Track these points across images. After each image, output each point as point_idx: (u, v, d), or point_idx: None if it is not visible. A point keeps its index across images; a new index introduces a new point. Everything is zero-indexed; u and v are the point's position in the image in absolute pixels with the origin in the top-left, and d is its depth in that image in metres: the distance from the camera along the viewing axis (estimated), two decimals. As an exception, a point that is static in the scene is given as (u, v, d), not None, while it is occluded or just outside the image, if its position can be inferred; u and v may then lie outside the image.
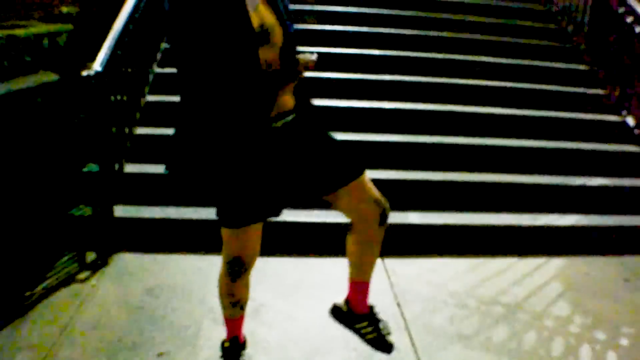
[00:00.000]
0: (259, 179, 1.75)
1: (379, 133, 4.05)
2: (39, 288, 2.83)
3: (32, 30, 3.49)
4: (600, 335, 2.62)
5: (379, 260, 3.19)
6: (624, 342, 2.59)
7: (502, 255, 3.38)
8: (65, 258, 3.14)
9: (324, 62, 3.54)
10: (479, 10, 5.90)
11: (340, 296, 2.14)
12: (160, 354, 2.35)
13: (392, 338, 2.07)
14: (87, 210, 3.29)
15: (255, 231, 1.83)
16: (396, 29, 5.31)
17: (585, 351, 2.49)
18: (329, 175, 1.86)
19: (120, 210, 3.32)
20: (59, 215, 3.27)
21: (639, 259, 3.46)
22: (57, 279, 2.94)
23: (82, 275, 2.99)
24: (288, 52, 1.74)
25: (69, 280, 2.93)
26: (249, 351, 2.13)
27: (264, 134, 1.73)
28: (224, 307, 2.01)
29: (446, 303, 2.84)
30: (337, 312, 2.15)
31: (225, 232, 1.83)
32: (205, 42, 1.60)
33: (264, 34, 1.65)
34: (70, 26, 4.13)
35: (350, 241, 1.99)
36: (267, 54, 1.67)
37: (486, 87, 4.65)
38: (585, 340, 2.58)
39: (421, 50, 5.05)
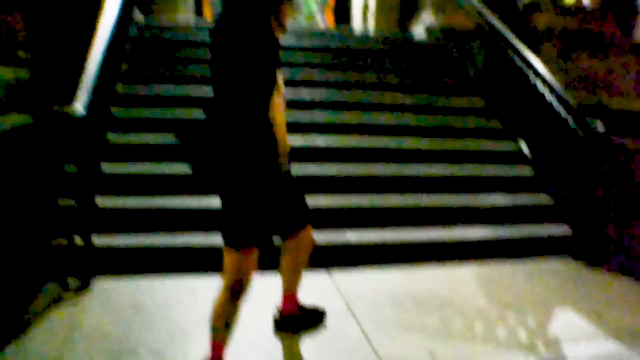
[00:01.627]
0: (266, 210, 2.33)
1: (316, 163, 4.66)
2: (34, 309, 3.14)
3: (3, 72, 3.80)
4: (512, 316, 3.32)
5: (326, 274, 3.81)
6: (529, 319, 3.29)
7: (427, 263, 4.07)
8: (50, 284, 3.44)
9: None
10: (392, 55, 6.72)
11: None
12: (157, 354, 2.74)
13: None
14: (63, 241, 3.61)
15: (254, 256, 2.36)
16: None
17: (500, 329, 3.16)
18: (293, 220, 2.65)
19: (97, 239, 3.67)
20: (39, 245, 3.57)
21: (537, 260, 4.27)
22: (47, 300, 3.25)
23: (69, 297, 3.32)
24: None
25: (58, 301, 3.26)
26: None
27: (277, 175, 2.36)
28: (216, 330, 2.39)
29: (387, 302, 3.43)
30: (279, 324, 2.97)
31: (230, 257, 2.31)
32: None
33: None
34: (27, 70, 4.43)
35: (287, 265, 2.80)
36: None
37: (401, 124, 5.40)
38: (499, 320, 3.26)
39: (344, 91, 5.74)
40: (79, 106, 3.41)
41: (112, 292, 3.42)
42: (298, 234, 2.70)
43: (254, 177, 2.25)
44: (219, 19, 2.28)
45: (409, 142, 5.13)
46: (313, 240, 2.80)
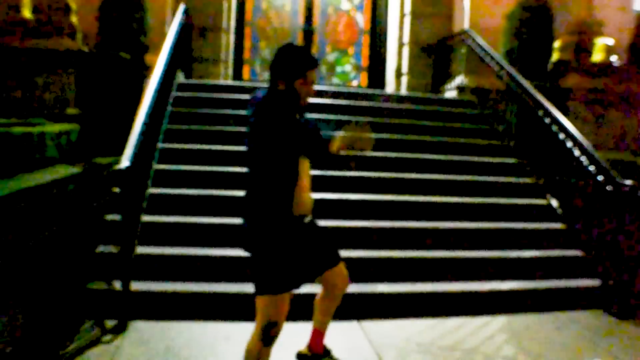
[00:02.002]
0: (295, 258, 2.55)
1: (349, 219, 4.78)
2: (71, 347, 3.30)
3: (56, 128, 4.13)
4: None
5: (356, 322, 3.86)
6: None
7: (457, 316, 4.06)
8: (88, 324, 3.60)
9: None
10: (424, 116, 6.92)
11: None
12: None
13: None
14: (102, 284, 3.79)
15: (288, 300, 2.53)
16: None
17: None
18: (324, 261, 2.82)
19: (135, 285, 3.84)
20: (78, 289, 3.76)
21: (567, 313, 4.22)
22: (85, 340, 3.41)
23: (106, 338, 3.47)
24: None
25: (95, 342, 3.41)
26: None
27: (300, 227, 2.62)
28: None
29: (415, 350, 3.47)
30: (302, 358, 3.09)
31: (264, 302, 2.48)
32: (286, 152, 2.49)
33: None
34: (77, 126, 4.78)
35: (321, 304, 3.00)
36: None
37: (432, 180, 5.53)
38: (526, 372, 3.25)
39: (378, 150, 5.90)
40: (125, 160, 3.67)
41: (147, 335, 3.55)
42: (332, 271, 2.85)
43: (276, 238, 2.52)
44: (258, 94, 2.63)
45: (439, 198, 5.22)
46: (347, 278, 2.93)
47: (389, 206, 5.02)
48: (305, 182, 2.64)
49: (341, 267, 2.89)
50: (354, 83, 9.31)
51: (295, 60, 2.54)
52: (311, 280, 2.82)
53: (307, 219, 2.71)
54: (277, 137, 2.43)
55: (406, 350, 3.46)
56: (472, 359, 3.38)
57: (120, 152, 3.78)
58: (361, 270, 4.25)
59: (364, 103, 7.02)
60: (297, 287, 2.61)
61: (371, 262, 4.37)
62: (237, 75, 9.03)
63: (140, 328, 3.63)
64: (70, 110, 5.17)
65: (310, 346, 3.10)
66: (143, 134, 4.07)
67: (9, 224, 2.95)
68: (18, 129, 3.72)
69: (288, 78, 2.52)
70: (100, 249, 4.02)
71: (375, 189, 5.23)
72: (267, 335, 2.46)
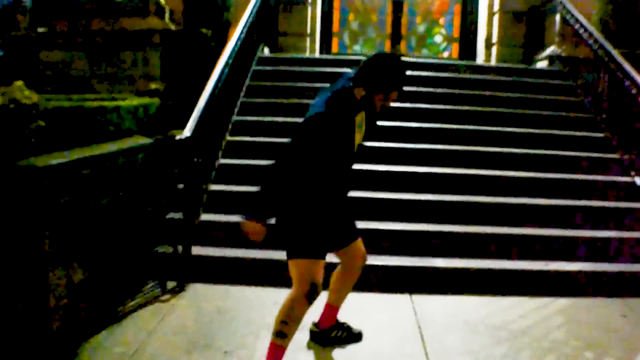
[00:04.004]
0: (329, 227, 2.70)
1: (414, 192, 4.73)
2: (130, 304, 3.63)
3: (131, 102, 4.46)
4: (589, 355, 3.12)
5: (407, 296, 3.86)
6: (608, 360, 3.09)
7: (514, 295, 3.91)
8: (150, 284, 3.93)
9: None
10: (511, 87, 6.58)
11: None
12: (225, 352, 3.04)
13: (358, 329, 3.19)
14: (169, 248, 4.09)
15: (320, 266, 2.64)
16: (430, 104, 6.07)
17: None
18: (345, 237, 2.89)
19: (195, 249, 4.10)
20: (146, 251, 4.09)
21: (638, 300, 3.91)
22: (145, 298, 3.73)
23: (164, 297, 3.77)
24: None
25: (153, 300, 3.72)
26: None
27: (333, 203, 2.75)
28: (288, 334, 2.63)
29: (459, 328, 3.41)
30: (313, 336, 3.14)
31: (302, 266, 2.60)
32: (323, 151, 2.57)
33: (358, 150, 2.72)
34: (157, 100, 5.10)
35: (338, 277, 3.02)
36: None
37: (510, 154, 5.30)
38: (573, 358, 3.09)
39: (460, 123, 5.75)
40: (187, 131, 3.90)
41: (202, 296, 3.81)
42: (355, 244, 2.93)
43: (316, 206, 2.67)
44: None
45: (513, 173, 5.01)
46: (365, 256, 2.99)
47: (458, 180, 4.89)
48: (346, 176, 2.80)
49: (360, 242, 2.96)
50: (445, 54, 9.02)
51: (386, 77, 2.53)
52: (335, 249, 2.91)
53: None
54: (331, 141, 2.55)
55: (449, 326, 3.42)
56: (517, 341, 3.27)
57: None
58: (419, 244, 4.24)
59: (450, 74, 6.82)
60: (324, 256, 2.68)
61: (431, 235, 4.31)
62: (326, 48, 9.07)
63: (197, 289, 3.90)
64: (153, 85, 5.54)
65: (320, 322, 3.14)
66: (207, 106, 4.28)
67: (78, 186, 3.26)
68: (91, 103, 4.07)
69: (370, 89, 2.54)
70: (170, 215, 4.34)
71: (447, 163, 5.11)
72: (310, 295, 2.57)
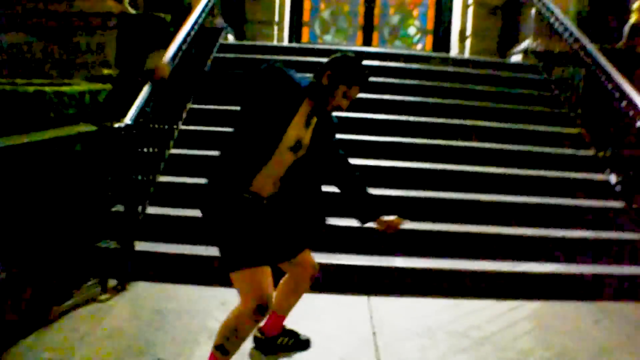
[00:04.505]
0: (255, 234, 2.31)
1: (380, 188, 4.40)
2: (66, 304, 3.29)
3: (75, 88, 4.12)
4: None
5: (364, 298, 3.60)
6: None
7: (479, 298, 3.67)
8: (91, 282, 3.60)
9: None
10: (485, 81, 6.36)
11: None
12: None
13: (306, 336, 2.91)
14: (112, 244, 3.77)
15: (263, 275, 2.26)
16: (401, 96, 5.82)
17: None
18: (292, 246, 2.60)
19: (140, 245, 3.79)
20: (88, 246, 3.76)
21: (613, 304, 3.69)
22: (82, 298, 3.40)
23: (103, 297, 3.45)
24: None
25: (91, 300, 3.40)
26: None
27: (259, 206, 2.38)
28: (230, 351, 2.32)
29: (418, 334, 3.14)
30: (257, 343, 2.85)
31: (241, 278, 2.25)
32: (251, 127, 2.34)
33: (297, 145, 2.36)
34: (109, 86, 4.77)
35: (286, 287, 2.74)
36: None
37: (483, 149, 5.07)
38: (539, 367, 2.85)
39: (429, 116, 5.51)
40: (127, 119, 3.58)
41: (144, 295, 3.50)
42: (300, 257, 2.64)
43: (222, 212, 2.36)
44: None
45: (484, 169, 4.78)
46: (315, 267, 2.71)
47: (424, 175, 4.66)
48: (274, 172, 2.39)
49: (308, 253, 2.68)
50: (419, 47, 8.80)
51: (352, 68, 2.39)
52: (279, 261, 2.61)
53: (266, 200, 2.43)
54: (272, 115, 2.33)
55: (407, 332, 3.16)
56: (480, 350, 3.02)
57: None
58: (379, 242, 3.96)
59: (421, 66, 6.59)
60: (261, 263, 2.30)
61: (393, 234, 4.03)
62: (296, 38, 8.80)
63: (139, 288, 3.59)
64: (106, 71, 5.21)
65: (265, 329, 2.85)
66: (153, 92, 3.93)
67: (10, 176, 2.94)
68: (26, 88, 3.73)
69: (335, 77, 2.36)
70: (116, 208, 4.00)
71: (414, 157, 4.86)
72: (259, 314, 2.25)
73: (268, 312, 2.29)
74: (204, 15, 5.37)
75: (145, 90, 3.87)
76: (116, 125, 3.50)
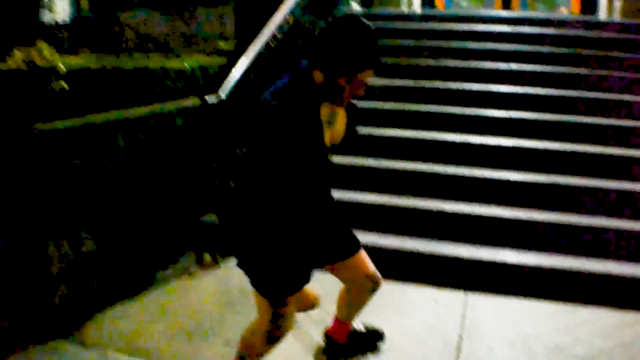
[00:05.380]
0: (303, 250, 1.99)
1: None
2: (158, 276, 3.46)
3: (184, 63, 4.20)
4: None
5: (461, 293, 3.30)
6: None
7: (595, 305, 3.17)
8: (187, 256, 3.73)
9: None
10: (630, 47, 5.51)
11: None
12: (227, 343, 2.73)
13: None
14: (213, 217, 3.84)
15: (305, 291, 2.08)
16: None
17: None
18: (332, 250, 2.22)
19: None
20: (192, 220, 3.86)
21: None
22: (175, 271, 3.55)
23: (194, 271, 3.57)
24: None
25: (181, 274, 3.52)
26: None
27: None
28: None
29: (511, 344, 2.79)
30: (326, 344, 2.63)
31: (267, 305, 1.97)
32: (293, 149, 1.83)
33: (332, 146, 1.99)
34: (221, 59, 4.81)
35: (343, 295, 2.45)
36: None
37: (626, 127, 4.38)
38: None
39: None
40: (222, 93, 3.57)
41: (234, 273, 3.49)
42: (349, 262, 2.27)
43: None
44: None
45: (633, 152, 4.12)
46: (374, 277, 2.31)
47: (550, 157, 4.14)
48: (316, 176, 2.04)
49: (362, 259, 2.28)
50: (563, 9, 7.84)
51: (347, 51, 1.78)
52: (321, 265, 2.24)
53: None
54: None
55: (498, 339, 2.82)
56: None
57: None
58: (484, 231, 3.60)
59: (556, 31, 5.87)
60: (305, 283, 2.05)
61: (500, 222, 3.65)
62: (430, 3, 8.30)
63: (231, 265, 3.61)
64: (222, 44, 5.27)
65: (329, 333, 2.63)
66: (255, 65, 3.89)
67: (92, 151, 3.08)
68: (130, 64, 3.86)
69: (329, 70, 1.81)
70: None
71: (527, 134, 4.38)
72: (273, 338, 2.03)
73: (283, 336, 2.04)
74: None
75: (244, 61, 3.81)
76: (208, 100, 3.49)
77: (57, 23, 7.84)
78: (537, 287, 3.31)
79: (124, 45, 5.85)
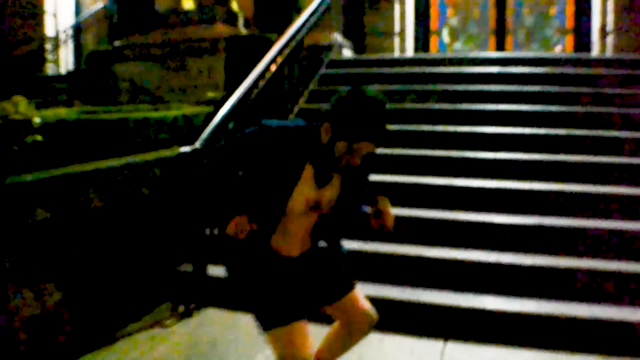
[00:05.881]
0: (283, 290, 2.09)
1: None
2: (129, 328, 3.41)
3: (165, 114, 4.26)
4: None
5: (440, 342, 3.19)
6: None
7: (583, 353, 3.03)
8: (164, 306, 3.69)
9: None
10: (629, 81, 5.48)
11: None
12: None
13: None
14: (188, 267, 3.81)
15: (297, 335, 2.05)
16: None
17: None
18: (326, 292, 2.26)
19: (213, 269, 3.77)
20: (168, 270, 3.84)
21: None
22: (149, 322, 3.50)
23: (167, 322, 3.50)
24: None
25: (155, 325, 3.47)
26: None
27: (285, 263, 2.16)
28: None
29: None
30: None
31: (271, 338, 2.05)
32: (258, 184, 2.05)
33: (315, 206, 2.08)
34: (208, 108, 4.88)
35: (335, 331, 2.38)
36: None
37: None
38: None
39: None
40: (197, 143, 3.61)
41: (207, 323, 3.48)
42: (345, 301, 2.29)
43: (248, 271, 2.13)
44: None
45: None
46: (369, 315, 2.30)
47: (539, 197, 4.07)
48: (298, 231, 2.15)
49: (357, 298, 2.30)
50: (557, 49, 7.88)
51: (354, 118, 1.89)
52: (319, 306, 2.31)
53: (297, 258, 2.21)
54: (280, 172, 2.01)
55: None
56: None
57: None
58: (466, 277, 3.51)
59: (549, 70, 5.88)
60: (293, 319, 2.07)
61: (483, 267, 3.55)
62: (424, 47, 8.39)
63: (206, 316, 3.58)
64: (211, 94, 5.37)
65: None
66: (233, 114, 3.93)
67: (63, 203, 3.09)
68: (107, 116, 3.93)
69: (336, 130, 1.93)
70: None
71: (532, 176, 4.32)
72: None
73: None
74: (304, 28, 5.27)
75: (222, 112, 3.86)
76: (182, 150, 3.52)
77: (59, 75, 8.09)
78: (518, 334, 3.20)
79: (118, 97, 5.98)
